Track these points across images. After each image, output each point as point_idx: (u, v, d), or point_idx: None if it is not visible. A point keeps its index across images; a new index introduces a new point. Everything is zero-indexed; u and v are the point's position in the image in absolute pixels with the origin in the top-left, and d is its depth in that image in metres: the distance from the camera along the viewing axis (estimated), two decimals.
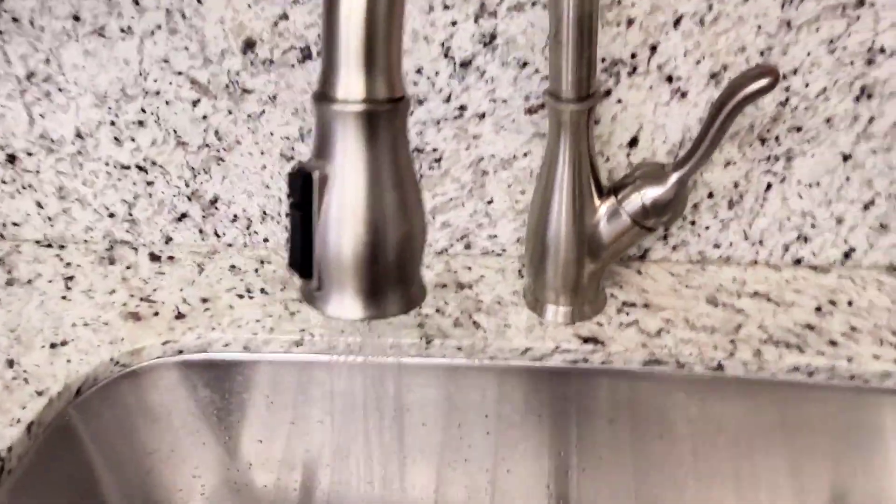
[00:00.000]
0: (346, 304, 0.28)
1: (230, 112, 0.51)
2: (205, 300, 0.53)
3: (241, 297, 0.54)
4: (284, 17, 0.47)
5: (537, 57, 0.47)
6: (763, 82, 0.39)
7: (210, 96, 0.51)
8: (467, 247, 0.56)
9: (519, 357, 0.50)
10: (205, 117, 0.52)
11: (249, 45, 0.48)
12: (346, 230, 0.27)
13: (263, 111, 0.51)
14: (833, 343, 0.48)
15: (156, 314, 0.52)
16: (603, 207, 0.46)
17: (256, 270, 0.56)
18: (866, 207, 0.51)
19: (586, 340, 0.49)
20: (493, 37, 0.47)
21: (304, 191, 0.27)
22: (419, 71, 0.48)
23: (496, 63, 0.47)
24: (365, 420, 0.55)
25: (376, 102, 0.26)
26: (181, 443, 0.56)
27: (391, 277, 0.28)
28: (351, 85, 0.26)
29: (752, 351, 0.47)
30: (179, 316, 0.52)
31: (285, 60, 0.49)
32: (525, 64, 0.47)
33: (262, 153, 0.53)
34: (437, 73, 0.48)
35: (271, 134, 0.52)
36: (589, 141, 0.44)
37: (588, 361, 0.49)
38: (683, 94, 0.48)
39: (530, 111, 0.50)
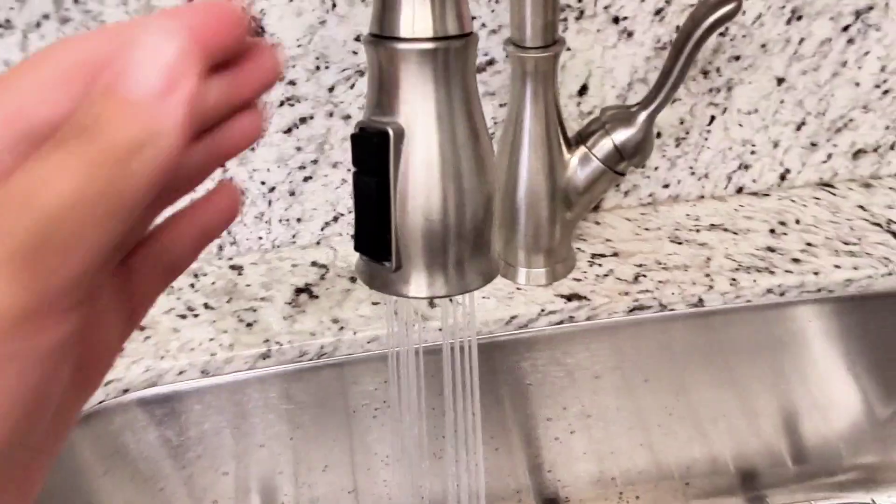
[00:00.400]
0: (430, 281, 0.24)
1: None
2: (141, 328, 0.47)
3: (183, 317, 0.48)
4: None
5: (483, 10, 0.45)
6: (727, 8, 0.39)
7: None
8: None
9: (504, 327, 0.48)
10: None
11: None
12: (433, 194, 0.23)
13: None
14: (796, 261, 0.49)
15: None
16: (574, 158, 0.45)
17: (192, 285, 0.50)
18: (798, 128, 0.53)
19: (569, 298, 0.48)
20: None
21: (379, 154, 0.22)
22: (358, 38, 0.44)
23: None
24: (344, 424, 0.51)
25: (449, 39, 0.22)
26: (134, 494, 0.49)
27: (475, 245, 0.25)
28: (419, 19, 0.22)
29: (727, 281, 0.48)
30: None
31: None
32: (472, 18, 0.45)
33: None
34: None
35: None
36: (555, 90, 0.43)
37: (574, 320, 0.48)
38: (630, 35, 0.47)
39: (477, 71, 0.47)
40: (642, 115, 0.43)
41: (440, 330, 0.47)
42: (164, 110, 0.15)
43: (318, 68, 0.45)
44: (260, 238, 0.52)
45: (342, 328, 0.46)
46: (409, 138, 0.23)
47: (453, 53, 0.22)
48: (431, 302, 0.48)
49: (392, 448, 0.53)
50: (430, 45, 0.22)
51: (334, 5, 0.43)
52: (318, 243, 0.53)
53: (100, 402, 0.44)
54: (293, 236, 0.53)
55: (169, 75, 0.15)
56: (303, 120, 0.47)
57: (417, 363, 0.32)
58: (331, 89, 0.46)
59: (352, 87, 0.46)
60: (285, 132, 0.48)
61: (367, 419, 0.51)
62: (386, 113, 0.23)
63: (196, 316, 0.48)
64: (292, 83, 0.46)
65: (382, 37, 0.23)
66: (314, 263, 0.52)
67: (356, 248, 0.24)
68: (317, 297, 0.49)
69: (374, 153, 0.23)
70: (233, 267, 0.52)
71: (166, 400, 0.47)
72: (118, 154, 0.14)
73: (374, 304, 0.48)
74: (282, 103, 0.46)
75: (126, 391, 0.45)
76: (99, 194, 0.14)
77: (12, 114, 0.16)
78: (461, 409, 0.33)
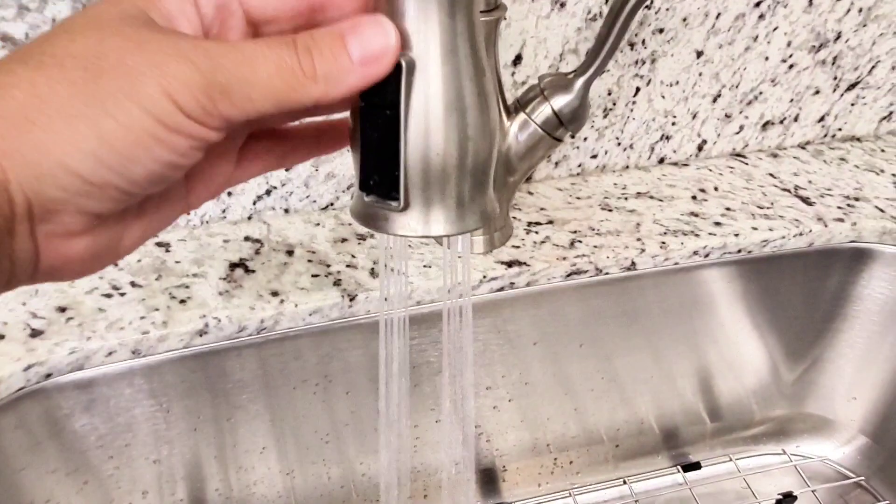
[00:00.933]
0: (438, 219, 0.24)
1: None
2: (62, 309, 0.44)
3: (108, 296, 0.45)
4: None
5: None
6: None
7: None
8: None
9: (446, 295, 0.48)
10: None
11: None
12: (444, 128, 0.22)
13: None
14: (718, 224, 0.52)
15: (1, 338, 0.42)
16: (514, 125, 0.45)
17: (115, 264, 0.47)
18: (714, 100, 0.56)
19: (510, 265, 0.48)
20: None
21: (391, 85, 0.22)
22: None
23: None
24: (288, 403, 0.49)
25: None
26: (56, 490, 0.46)
27: (480, 183, 0.24)
28: None
29: (657, 244, 0.50)
30: (35, 333, 0.42)
31: None
32: None
33: None
34: None
35: None
36: (495, 57, 0.43)
37: (514, 286, 0.49)
38: (562, 5, 0.48)
39: None
40: (579, 82, 0.44)
41: (385, 300, 0.46)
42: (355, 74, 0.22)
43: None
44: (187, 214, 0.50)
45: (282, 301, 0.45)
46: (425, 69, 0.22)
47: None
48: (372, 271, 0.47)
49: (357, 419, 0.52)
50: None
51: None
52: (249, 218, 0.52)
53: (19, 390, 0.41)
54: (223, 211, 0.51)
55: (376, 58, 0.22)
56: None
57: (402, 328, 0.32)
58: None
59: None
60: None
61: (308, 395, 0.50)
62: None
63: (123, 294, 0.45)
64: None
65: None
66: (247, 238, 0.50)
67: (361, 188, 0.24)
68: (253, 271, 0.47)
69: (385, 85, 0.22)
70: (159, 244, 0.49)
71: (92, 384, 0.44)
72: (309, 77, 0.21)
73: (314, 276, 0.47)
74: None
75: (49, 376, 0.42)
76: (278, 88, 0.21)
77: None
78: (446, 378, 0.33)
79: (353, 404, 0.51)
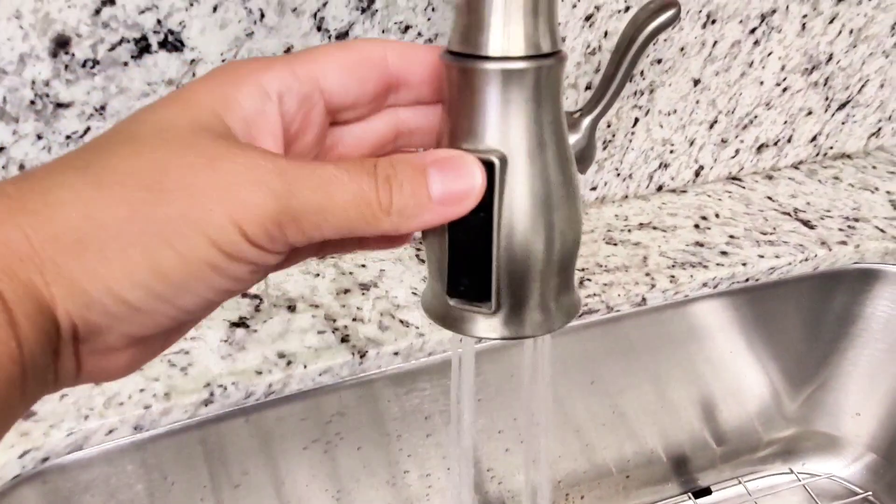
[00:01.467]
0: (526, 321, 0.22)
1: (40, 136, 0.39)
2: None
3: None
4: (109, 1, 0.37)
5: (419, 19, 0.43)
6: (668, 14, 0.40)
7: (8, 119, 0.38)
8: None
9: (458, 344, 0.46)
10: (1, 149, 0.39)
11: (61, 45, 0.37)
12: (536, 227, 0.21)
13: (88, 129, 0.40)
14: (724, 253, 0.52)
15: None
16: None
17: None
18: (711, 126, 0.56)
19: None
20: (371, 0, 0.41)
21: (486, 186, 0.20)
22: (288, 51, 0.41)
23: (376, 31, 0.42)
24: (297, 464, 0.47)
25: (542, 57, 0.20)
26: None
27: (568, 279, 0.23)
28: (511, 37, 0.20)
29: (667, 278, 0.49)
30: (28, 415, 0.39)
31: (115, 58, 0.38)
32: (407, 28, 0.43)
33: None
34: None
35: None
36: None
37: None
38: (562, 39, 0.47)
39: None
40: (586, 121, 0.43)
41: (396, 354, 0.44)
42: (432, 213, 0.20)
43: None
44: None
45: (290, 363, 0.43)
46: (515, 167, 0.21)
47: (545, 73, 0.21)
48: (380, 324, 0.45)
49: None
50: (523, 65, 0.20)
51: (262, 16, 0.40)
52: None
53: (14, 478, 0.38)
54: None
55: (456, 199, 0.20)
56: None
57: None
58: None
59: None
60: None
61: (318, 454, 0.47)
62: (478, 141, 0.21)
63: None
64: None
65: (468, 55, 0.20)
66: (245, 294, 0.48)
67: (450, 294, 0.22)
68: (255, 330, 0.45)
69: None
70: None
71: (93, 463, 0.41)
72: (384, 210, 0.20)
73: (320, 332, 0.45)
74: None
75: (46, 459, 0.39)
76: (351, 218, 0.19)
77: (313, 78, 0.22)
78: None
79: (366, 460, 0.49)
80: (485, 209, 0.21)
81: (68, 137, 0.40)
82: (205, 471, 0.45)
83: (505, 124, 0.21)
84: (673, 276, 0.49)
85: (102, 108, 0.40)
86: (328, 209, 0.19)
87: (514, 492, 0.57)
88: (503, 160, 0.20)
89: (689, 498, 0.63)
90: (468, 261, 0.21)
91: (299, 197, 0.19)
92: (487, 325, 0.22)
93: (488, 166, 0.20)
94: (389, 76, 0.23)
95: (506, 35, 0.20)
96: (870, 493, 0.62)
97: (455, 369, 0.26)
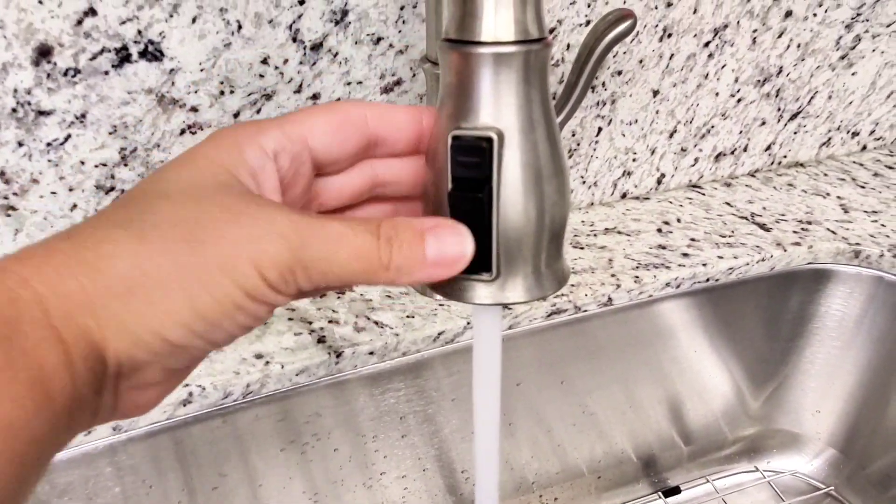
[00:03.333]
0: (519, 286, 0.24)
1: (21, 143, 0.40)
2: None
3: None
4: (91, 12, 0.38)
5: (391, 31, 0.45)
6: (625, 25, 0.42)
7: None
8: None
9: (432, 344, 0.48)
10: None
11: (43, 54, 0.38)
12: (530, 198, 0.23)
13: (69, 136, 0.41)
14: (685, 255, 0.54)
15: None
16: None
17: None
18: (671, 136, 0.58)
19: None
20: (344, 13, 0.43)
21: (484, 161, 0.22)
22: (265, 61, 0.43)
23: (349, 42, 0.44)
24: (275, 465, 0.48)
25: (530, 42, 0.22)
26: None
27: (559, 247, 0.25)
28: (501, 24, 0.22)
29: (631, 279, 0.51)
30: None
31: (96, 67, 0.40)
32: (379, 39, 0.45)
33: (70, 190, 0.43)
34: (285, 62, 0.43)
35: (82, 163, 0.42)
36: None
37: None
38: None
39: (385, 91, 0.47)
40: None
41: (371, 353, 0.46)
42: (426, 272, 0.23)
43: (222, 93, 0.43)
44: None
45: (268, 363, 0.44)
46: (510, 143, 0.23)
47: (534, 57, 0.23)
48: (355, 325, 0.47)
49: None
50: (513, 49, 0.22)
51: (240, 27, 0.41)
52: None
53: None
54: None
55: (448, 263, 0.23)
56: None
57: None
58: (236, 115, 0.44)
59: (258, 111, 0.45)
60: None
61: (296, 456, 0.48)
62: (475, 119, 0.23)
63: None
64: (195, 109, 0.43)
65: (463, 41, 0.22)
66: None
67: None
68: None
69: (479, 161, 0.22)
70: None
71: (70, 465, 0.42)
72: (384, 265, 0.22)
73: (297, 334, 0.46)
74: (183, 131, 0.44)
75: None
76: (355, 271, 0.22)
77: (302, 137, 0.24)
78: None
79: (342, 461, 0.50)
80: (485, 182, 0.23)
81: (49, 145, 0.41)
82: (182, 473, 0.45)
83: (498, 104, 0.23)
84: (637, 277, 0.52)
85: (83, 115, 0.41)
86: (334, 261, 0.22)
87: None
88: (500, 136, 0.22)
89: (660, 497, 0.64)
90: (471, 228, 0.23)
91: (310, 249, 0.22)
92: (488, 293, 0.24)
93: (487, 141, 0.22)
94: (369, 135, 0.26)
95: (497, 22, 0.22)
96: (832, 487, 0.64)
97: (481, 341, 0.27)
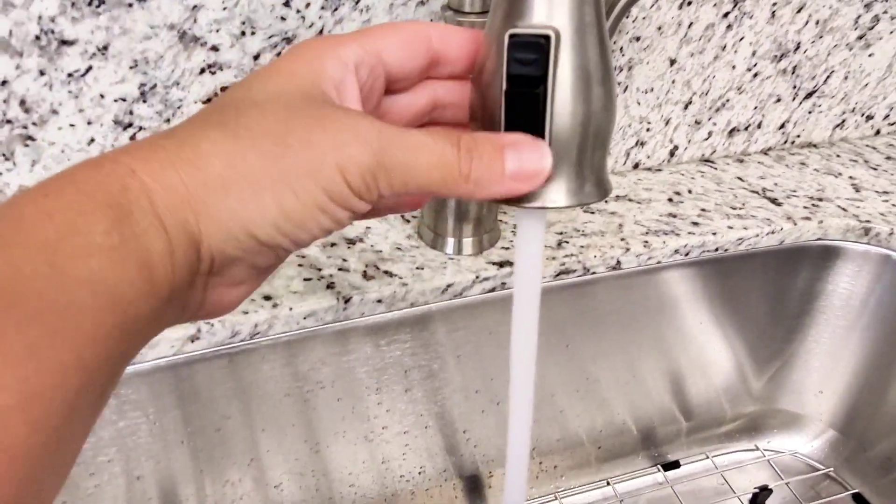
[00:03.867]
0: (563, 190, 0.24)
1: (42, 73, 0.41)
2: None
3: None
4: None
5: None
6: None
7: (12, 53, 0.39)
8: None
9: (440, 296, 0.48)
10: (4, 83, 0.40)
11: None
12: (585, 100, 0.23)
13: (90, 68, 0.41)
14: (695, 224, 0.54)
15: None
16: None
17: None
18: (686, 107, 0.58)
19: (500, 265, 0.49)
20: None
21: (540, 59, 0.22)
22: (287, 3, 0.43)
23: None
24: (278, 411, 0.48)
25: None
26: None
27: (604, 154, 0.25)
28: None
29: (640, 243, 0.52)
30: None
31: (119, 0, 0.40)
32: None
33: (88, 123, 0.43)
34: (307, 6, 0.44)
35: (101, 97, 0.43)
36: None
37: (506, 286, 0.49)
38: None
39: None
40: None
41: (379, 301, 0.46)
42: (504, 186, 0.23)
43: (243, 34, 0.43)
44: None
45: (276, 305, 0.44)
46: (565, 44, 0.23)
47: None
48: (364, 274, 0.47)
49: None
50: None
51: None
52: None
53: None
54: None
55: (527, 177, 0.23)
56: (224, 89, 0.45)
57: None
58: (256, 57, 0.45)
59: (278, 54, 0.45)
60: (205, 102, 0.45)
61: (299, 403, 0.49)
62: (531, 19, 0.23)
63: None
64: (215, 49, 0.43)
65: None
66: None
67: None
68: None
69: (536, 58, 0.23)
70: None
71: None
72: (463, 176, 0.23)
73: (306, 280, 0.46)
74: (202, 70, 0.44)
75: None
76: (434, 179, 0.23)
77: (378, 51, 0.25)
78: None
79: (345, 412, 0.50)
80: (541, 81, 0.23)
81: (70, 75, 0.41)
82: (185, 412, 0.46)
83: (551, 4, 0.23)
84: (647, 242, 0.52)
85: (105, 48, 0.41)
86: (414, 167, 0.23)
87: (488, 457, 0.59)
88: (558, 35, 0.23)
89: (659, 470, 0.64)
90: (529, 130, 0.24)
91: (391, 155, 0.22)
92: (542, 195, 0.24)
93: (545, 39, 0.23)
94: (433, 52, 0.27)
95: None
96: (831, 468, 0.64)
97: (524, 246, 0.28)
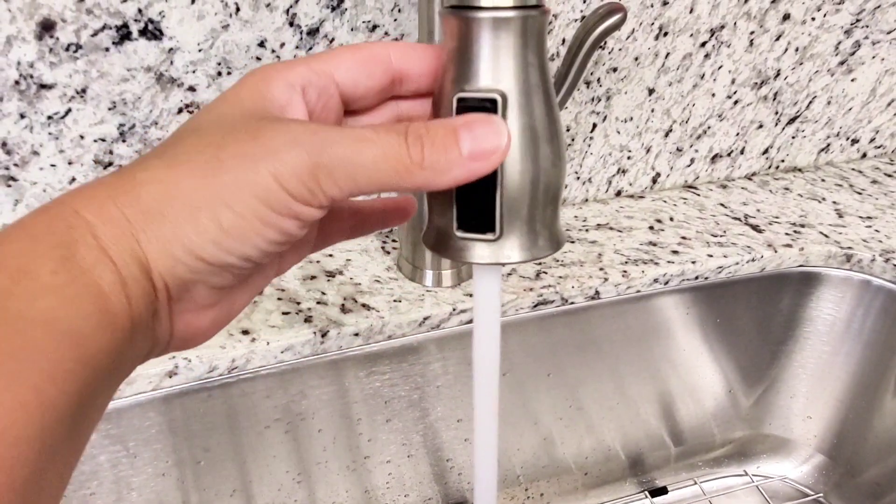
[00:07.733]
0: (517, 246, 0.25)
1: (23, 116, 0.42)
2: None
3: None
4: None
5: (386, 19, 0.46)
6: (615, 18, 0.43)
7: None
8: None
9: (417, 329, 0.48)
10: None
11: (47, 28, 0.40)
12: (534, 159, 0.24)
13: (70, 110, 0.42)
14: (675, 252, 0.54)
15: None
16: None
17: None
18: (666, 135, 0.59)
19: None
20: (341, 0, 0.44)
21: None
22: (262, 44, 0.44)
23: (345, 28, 0.45)
24: (259, 443, 0.49)
25: (529, 8, 0.23)
26: None
27: (557, 207, 0.26)
28: None
29: (619, 273, 0.52)
30: None
31: (97, 44, 0.41)
32: (375, 27, 0.46)
33: (69, 163, 0.44)
34: (281, 46, 0.44)
35: (81, 138, 0.43)
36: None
37: None
38: None
39: None
40: None
41: (355, 335, 0.46)
42: (463, 168, 0.23)
43: (219, 74, 0.44)
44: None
45: (254, 339, 0.45)
46: (513, 105, 0.23)
47: (532, 22, 0.23)
48: (342, 307, 0.48)
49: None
50: (513, 14, 0.23)
51: (238, 9, 0.42)
52: None
53: None
54: None
55: (485, 155, 0.23)
56: None
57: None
58: None
59: None
60: None
61: (280, 434, 0.49)
62: (477, 82, 0.23)
63: None
64: (192, 89, 0.44)
65: (465, 7, 0.23)
66: None
67: (460, 226, 0.25)
68: None
69: None
70: None
71: None
72: (416, 164, 0.22)
73: (285, 314, 0.47)
74: (181, 110, 0.45)
75: None
76: (383, 171, 0.22)
77: (329, 73, 0.25)
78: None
79: (326, 442, 0.51)
80: None
81: (50, 118, 0.42)
82: (167, 445, 0.46)
83: (498, 67, 0.23)
84: (625, 272, 0.52)
85: (83, 90, 0.42)
86: (359, 163, 0.22)
87: (473, 484, 0.59)
88: (505, 98, 0.23)
89: (647, 497, 0.64)
90: (478, 199, 0.24)
91: (330, 153, 0.22)
92: (489, 252, 0.25)
93: (492, 102, 0.23)
94: (393, 71, 0.26)
95: None
96: (820, 494, 0.63)
97: (481, 301, 0.28)
